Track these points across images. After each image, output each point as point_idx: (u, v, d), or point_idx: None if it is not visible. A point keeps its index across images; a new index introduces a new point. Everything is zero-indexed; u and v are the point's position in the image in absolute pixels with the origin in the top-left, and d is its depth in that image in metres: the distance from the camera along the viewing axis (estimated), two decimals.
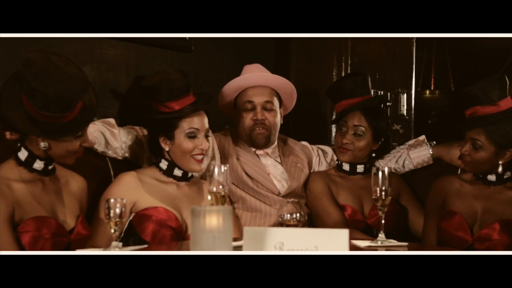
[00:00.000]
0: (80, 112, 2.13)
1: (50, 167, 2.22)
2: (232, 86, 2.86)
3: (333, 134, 3.33)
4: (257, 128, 2.86)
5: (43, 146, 2.13)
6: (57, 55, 2.11)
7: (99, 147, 2.60)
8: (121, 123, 2.75)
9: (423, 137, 3.05)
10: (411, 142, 3.08)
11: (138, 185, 2.46)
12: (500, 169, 2.49)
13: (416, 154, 3.02)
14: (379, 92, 3.66)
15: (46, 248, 2.10)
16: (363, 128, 2.88)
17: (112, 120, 2.67)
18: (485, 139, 2.47)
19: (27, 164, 2.17)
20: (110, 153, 2.64)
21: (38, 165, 2.18)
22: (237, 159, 2.87)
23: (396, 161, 3.05)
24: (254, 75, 2.86)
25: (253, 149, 2.93)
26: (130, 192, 2.42)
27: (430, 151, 2.99)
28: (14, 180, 2.15)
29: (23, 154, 2.17)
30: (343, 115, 2.89)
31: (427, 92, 6.54)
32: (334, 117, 3.32)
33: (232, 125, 3.05)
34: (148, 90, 2.49)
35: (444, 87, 6.50)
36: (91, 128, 2.54)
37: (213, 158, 2.84)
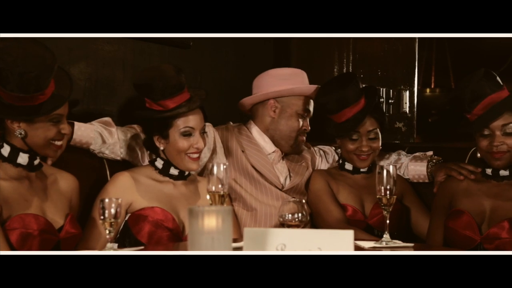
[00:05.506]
0: (53, 95, 2.11)
1: (35, 162, 2.19)
2: (298, 91, 2.88)
3: None
4: (302, 136, 2.93)
5: (19, 133, 2.11)
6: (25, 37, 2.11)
7: (96, 146, 2.56)
8: (121, 122, 2.71)
9: (430, 152, 2.97)
10: (417, 154, 3.00)
11: (133, 185, 2.40)
12: None
13: (414, 167, 2.95)
14: (381, 89, 3.62)
15: (34, 246, 2.08)
16: (377, 130, 2.84)
17: (109, 119, 2.64)
18: None
19: (11, 159, 2.15)
20: (107, 153, 2.60)
21: (22, 159, 2.16)
22: (242, 151, 2.85)
23: (399, 167, 2.99)
24: (316, 87, 2.91)
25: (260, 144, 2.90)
26: (126, 193, 2.36)
27: (429, 170, 2.90)
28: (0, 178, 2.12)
29: (5, 150, 2.15)
30: (355, 125, 2.79)
31: (428, 90, 6.54)
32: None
33: (234, 121, 3.01)
34: (140, 87, 2.42)
35: (445, 86, 6.50)
36: (88, 129, 2.52)
37: (214, 151, 2.79)
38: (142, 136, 2.59)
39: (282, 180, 2.88)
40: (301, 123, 2.89)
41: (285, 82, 2.87)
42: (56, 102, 2.11)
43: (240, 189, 2.81)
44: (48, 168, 2.28)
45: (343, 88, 2.78)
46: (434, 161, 2.91)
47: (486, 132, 2.46)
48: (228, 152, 2.84)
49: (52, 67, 2.08)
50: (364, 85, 2.97)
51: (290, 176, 2.92)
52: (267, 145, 2.90)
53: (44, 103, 2.09)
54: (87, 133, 2.51)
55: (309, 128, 2.93)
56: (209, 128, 2.82)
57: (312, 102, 2.93)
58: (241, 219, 2.79)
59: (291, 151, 2.93)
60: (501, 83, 2.50)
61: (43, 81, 2.06)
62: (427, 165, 2.91)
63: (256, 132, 2.92)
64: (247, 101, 2.93)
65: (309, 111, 2.92)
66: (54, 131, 2.16)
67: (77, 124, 2.51)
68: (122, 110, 2.93)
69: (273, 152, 2.91)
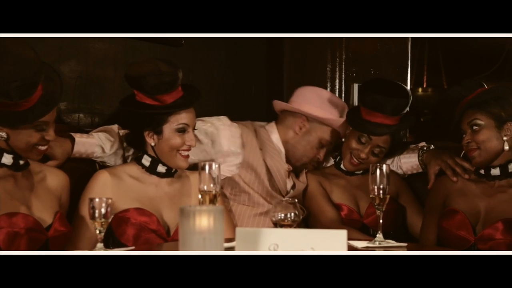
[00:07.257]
0: (40, 101, 2.06)
1: (21, 162, 2.16)
2: (327, 121, 2.83)
3: None
4: (311, 166, 2.92)
5: (1, 136, 2.07)
6: (14, 39, 2.05)
7: (97, 156, 2.52)
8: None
9: (422, 143, 2.94)
10: (411, 146, 2.98)
11: (114, 184, 2.35)
12: (506, 147, 2.45)
13: (406, 159, 2.92)
14: None
15: (21, 245, 2.04)
16: (383, 150, 2.80)
17: (115, 127, 2.59)
18: (481, 115, 2.46)
19: None
20: (110, 162, 2.56)
21: (7, 159, 2.12)
22: (260, 149, 2.80)
23: (392, 162, 2.96)
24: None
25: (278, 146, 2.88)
26: (107, 191, 2.30)
27: (421, 158, 2.87)
28: None
29: None
30: (371, 131, 2.75)
31: (420, 89, 6.54)
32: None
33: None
34: (135, 80, 2.34)
35: (437, 85, 6.50)
36: (88, 143, 2.47)
37: (231, 154, 2.74)
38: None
39: (288, 187, 2.85)
40: (317, 152, 2.86)
41: (327, 107, 2.83)
42: (41, 111, 2.06)
43: (245, 185, 2.76)
44: (37, 165, 2.24)
45: (384, 95, 2.69)
46: (424, 148, 2.89)
47: (463, 135, 2.50)
48: (248, 149, 2.77)
49: (39, 76, 2.02)
50: (410, 114, 2.88)
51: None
52: (282, 156, 2.86)
53: (28, 109, 2.03)
54: (88, 146, 2.47)
55: (322, 158, 2.89)
56: (229, 127, 2.76)
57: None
58: (244, 215, 2.76)
59: (302, 169, 2.92)
60: (483, 85, 2.56)
61: (29, 90, 2.00)
62: (418, 154, 2.88)
63: (275, 139, 2.87)
64: (280, 105, 2.89)
65: (331, 144, 2.89)
66: (37, 137, 2.11)
67: (78, 140, 2.46)
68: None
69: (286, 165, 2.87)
